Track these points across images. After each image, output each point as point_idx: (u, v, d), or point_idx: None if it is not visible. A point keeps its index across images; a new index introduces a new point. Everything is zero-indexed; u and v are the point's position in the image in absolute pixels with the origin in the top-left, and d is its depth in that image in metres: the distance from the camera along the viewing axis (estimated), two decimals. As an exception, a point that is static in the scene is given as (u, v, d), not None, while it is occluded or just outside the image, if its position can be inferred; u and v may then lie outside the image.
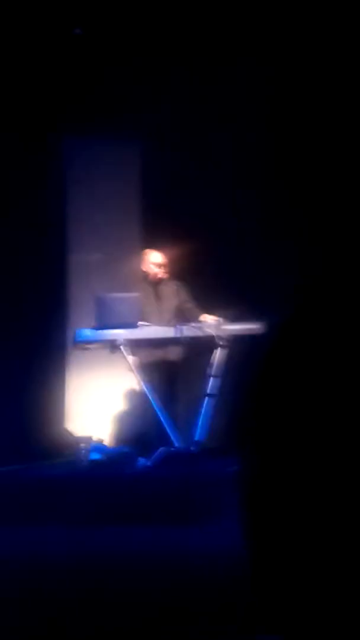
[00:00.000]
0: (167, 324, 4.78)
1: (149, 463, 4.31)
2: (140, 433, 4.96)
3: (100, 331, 4.56)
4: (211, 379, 4.69)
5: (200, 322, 4.76)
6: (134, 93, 5.42)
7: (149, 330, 4.68)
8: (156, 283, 4.97)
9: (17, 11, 5.07)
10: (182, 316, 4.85)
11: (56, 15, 5.22)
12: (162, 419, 4.58)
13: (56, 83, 5.45)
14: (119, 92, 5.45)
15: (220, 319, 4.72)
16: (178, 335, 4.62)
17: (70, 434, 5.29)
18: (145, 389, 4.66)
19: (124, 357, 4.63)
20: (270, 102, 5.36)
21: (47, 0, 5.08)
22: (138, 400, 4.98)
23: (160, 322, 4.83)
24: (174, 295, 4.95)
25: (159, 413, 4.59)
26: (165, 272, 4.96)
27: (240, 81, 5.40)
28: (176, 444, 4.51)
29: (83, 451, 4.60)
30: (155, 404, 4.62)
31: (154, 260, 4.99)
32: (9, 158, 5.43)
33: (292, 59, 5.32)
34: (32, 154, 5.50)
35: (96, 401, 5.43)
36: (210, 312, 4.85)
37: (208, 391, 4.68)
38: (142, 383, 4.67)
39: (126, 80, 5.45)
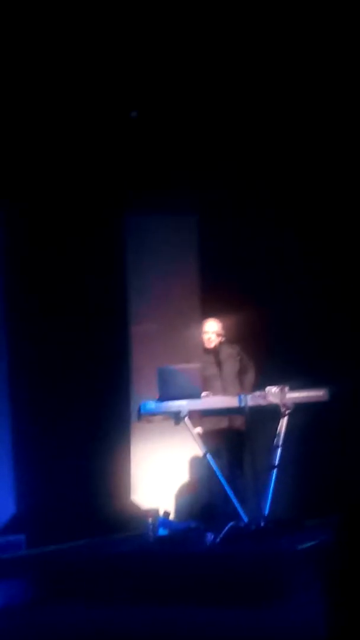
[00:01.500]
0: (230, 389, 4.66)
1: (217, 539, 4.11)
2: (207, 505, 4.77)
3: (164, 403, 4.47)
4: (278, 449, 4.51)
5: (264, 390, 4.63)
6: (190, 170, 5.48)
7: (212, 401, 4.55)
8: (216, 350, 4.89)
9: (76, 96, 5.26)
10: (243, 380, 4.74)
11: (113, 100, 5.39)
12: (228, 491, 4.40)
13: (116, 163, 5.58)
14: (175, 170, 5.52)
15: (285, 387, 4.57)
16: (241, 404, 4.48)
17: (137, 507, 5.15)
18: (210, 461, 4.51)
19: (188, 428, 4.51)
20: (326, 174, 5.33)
21: (104, 86, 5.25)
22: (204, 472, 4.82)
23: (223, 389, 4.71)
24: (233, 359, 4.87)
25: (224, 485, 4.42)
26: (222, 340, 4.90)
27: (295, 154, 5.40)
28: (244, 518, 4.31)
29: (150, 526, 4.45)
30: (221, 476, 4.45)
31: (212, 330, 4.92)
32: (74, 235, 5.53)
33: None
34: (96, 231, 5.59)
35: (162, 473, 5.29)
36: (273, 380, 4.72)
37: (275, 462, 4.49)
38: (207, 454, 4.52)
39: (182, 158, 5.52)
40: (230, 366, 4.84)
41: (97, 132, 5.44)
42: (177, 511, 5.13)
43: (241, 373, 4.81)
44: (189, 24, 4.83)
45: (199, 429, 4.61)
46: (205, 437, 4.61)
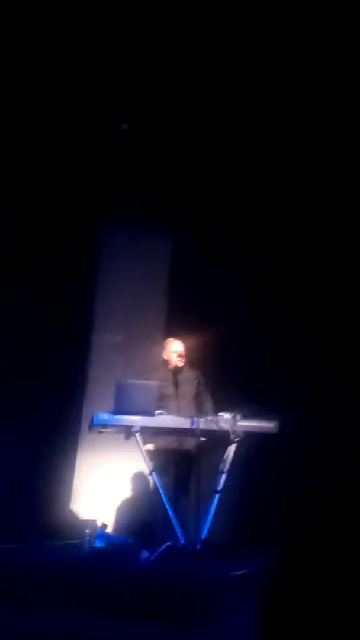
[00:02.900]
0: (184, 411, 4.71)
1: (152, 557, 4.17)
2: (146, 522, 4.82)
3: (117, 416, 4.52)
4: (223, 475, 4.61)
5: (216, 415, 4.72)
6: (170, 188, 5.60)
7: (165, 420, 4.61)
8: (175, 371, 4.95)
9: (62, 105, 5.31)
10: (199, 404, 4.83)
11: (104, 108, 5.47)
12: (169, 511, 4.46)
13: (95, 172, 5.65)
14: (156, 186, 5.63)
15: (237, 415, 4.68)
16: (193, 427, 4.57)
17: (76, 516, 5.17)
18: (155, 479, 4.57)
19: (138, 444, 4.57)
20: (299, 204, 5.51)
21: (92, 97, 5.32)
22: (147, 489, 4.88)
23: (177, 410, 4.74)
24: (192, 383, 4.92)
25: (166, 505, 4.48)
26: (184, 361, 4.99)
27: (270, 185, 5.57)
28: (181, 540, 4.37)
29: (87, 537, 4.47)
30: (164, 496, 4.51)
31: (175, 349, 4.98)
32: (46, 239, 5.57)
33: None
34: (68, 236, 5.64)
35: (105, 485, 5.33)
36: (225, 406, 4.82)
37: (219, 488, 4.58)
38: (153, 472, 4.58)
39: (164, 175, 5.64)
40: (188, 388, 4.89)
41: (82, 142, 5.51)
42: (115, 525, 5.18)
43: (197, 397, 4.88)
44: (179, 41, 4.93)
45: (150, 446, 4.67)
46: (154, 455, 4.67)
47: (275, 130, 5.35)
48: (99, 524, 4.71)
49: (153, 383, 4.68)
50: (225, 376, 5.15)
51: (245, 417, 4.68)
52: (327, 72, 4.93)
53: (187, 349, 5.04)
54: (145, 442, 4.58)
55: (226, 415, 4.64)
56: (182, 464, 4.78)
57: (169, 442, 4.76)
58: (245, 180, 5.56)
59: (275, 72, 5.00)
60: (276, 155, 5.45)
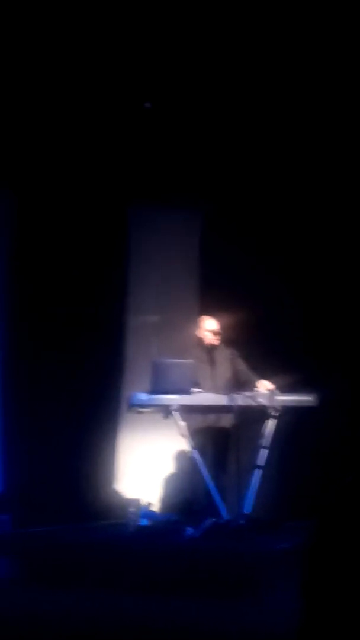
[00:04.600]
0: (220, 390, 4.67)
1: (195, 534, 4.18)
2: (189, 500, 4.81)
3: (155, 396, 4.51)
4: (262, 450, 4.57)
5: (254, 390, 4.67)
6: (199, 166, 5.51)
7: (202, 397, 4.59)
8: (211, 349, 4.91)
9: (88, 86, 5.25)
10: (237, 383, 4.76)
11: (127, 88, 5.39)
12: (210, 488, 4.45)
13: (124, 154, 5.60)
14: (185, 165, 5.54)
15: (275, 389, 4.62)
16: (231, 403, 4.53)
17: (120, 496, 5.20)
18: (195, 456, 4.56)
19: (177, 423, 4.56)
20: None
21: (119, 74, 5.25)
22: (188, 467, 4.86)
23: (214, 388, 4.71)
24: (228, 362, 4.85)
25: (207, 482, 4.47)
26: (219, 339, 4.93)
27: (301, 161, 5.43)
28: (224, 515, 4.37)
29: (132, 516, 4.50)
30: (205, 472, 4.49)
31: (210, 328, 4.92)
32: (78, 224, 5.56)
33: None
34: (99, 220, 5.62)
35: (147, 464, 5.34)
36: (265, 379, 4.76)
37: (258, 462, 4.55)
38: (192, 450, 4.57)
39: (193, 153, 5.55)
40: (223, 368, 4.82)
41: (108, 121, 5.45)
42: (158, 503, 5.19)
43: (239, 379, 4.78)
44: (208, 18, 4.81)
45: (186, 425, 4.63)
46: (192, 433, 4.66)
47: (301, 107, 5.20)
48: (143, 502, 4.72)
49: (188, 361, 4.65)
50: (261, 352, 5.09)
51: (284, 391, 4.62)
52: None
53: (221, 327, 4.98)
54: (183, 420, 4.56)
55: (266, 387, 4.59)
56: (220, 440, 4.76)
57: (206, 419, 4.73)
58: (272, 156, 5.43)
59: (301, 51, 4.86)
60: (300, 129, 5.30)
